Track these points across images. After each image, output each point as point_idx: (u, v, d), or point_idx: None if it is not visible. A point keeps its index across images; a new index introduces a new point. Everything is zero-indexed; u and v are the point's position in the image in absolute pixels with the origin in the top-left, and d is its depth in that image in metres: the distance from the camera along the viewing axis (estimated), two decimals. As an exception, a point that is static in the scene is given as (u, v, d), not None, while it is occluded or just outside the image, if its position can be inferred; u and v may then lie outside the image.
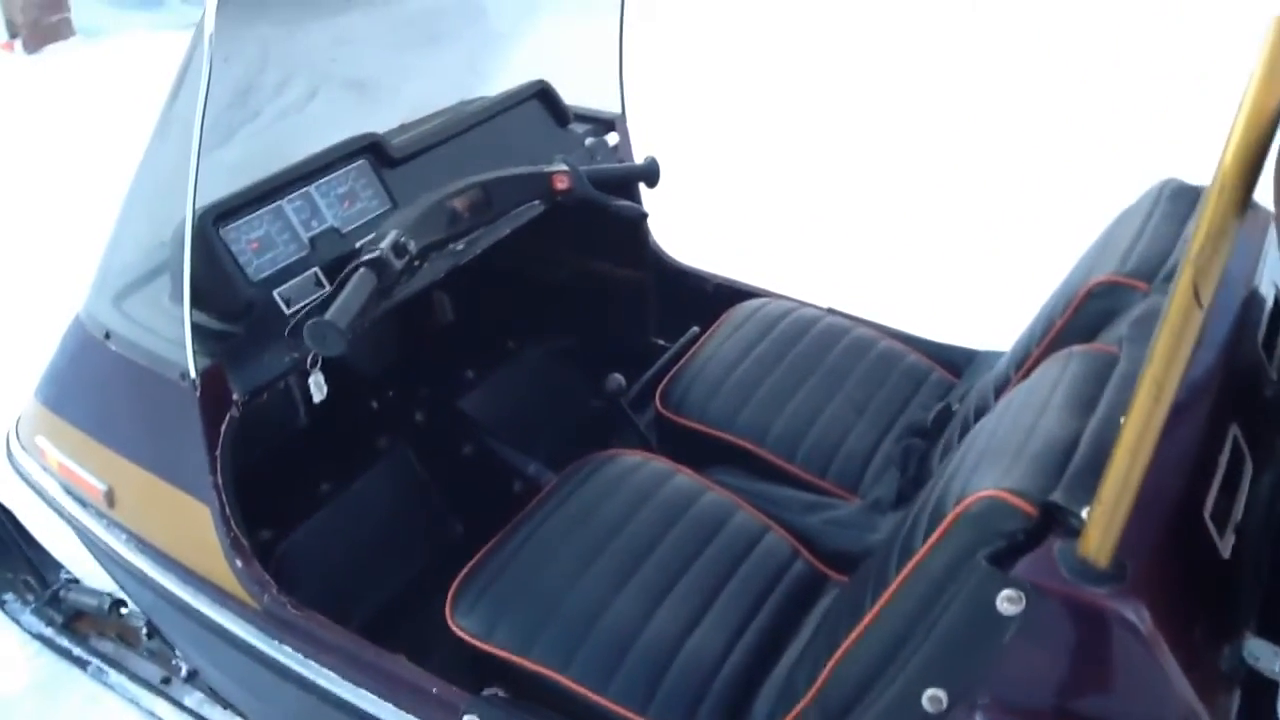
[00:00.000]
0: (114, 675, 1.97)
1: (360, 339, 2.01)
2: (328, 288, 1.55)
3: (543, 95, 2.03)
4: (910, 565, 1.08)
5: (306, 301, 1.54)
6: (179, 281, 1.38)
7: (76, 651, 2.01)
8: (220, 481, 1.46)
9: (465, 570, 1.52)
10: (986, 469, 1.10)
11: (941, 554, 1.05)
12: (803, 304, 2.10)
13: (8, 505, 2.10)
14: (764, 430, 1.79)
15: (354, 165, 1.72)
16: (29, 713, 1.95)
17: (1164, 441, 0.87)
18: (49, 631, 2.04)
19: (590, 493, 1.62)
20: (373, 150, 1.74)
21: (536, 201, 1.75)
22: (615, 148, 2.07)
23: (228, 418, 1.46)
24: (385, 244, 1.39)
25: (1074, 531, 0.96)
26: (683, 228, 2.58)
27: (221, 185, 1.59)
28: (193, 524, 1.51)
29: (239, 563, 1.48)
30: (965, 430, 1.59)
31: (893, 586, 1.11)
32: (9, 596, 2.09)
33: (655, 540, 1.55)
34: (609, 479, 1.65)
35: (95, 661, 1.99)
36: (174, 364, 1.43)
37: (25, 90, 4.57)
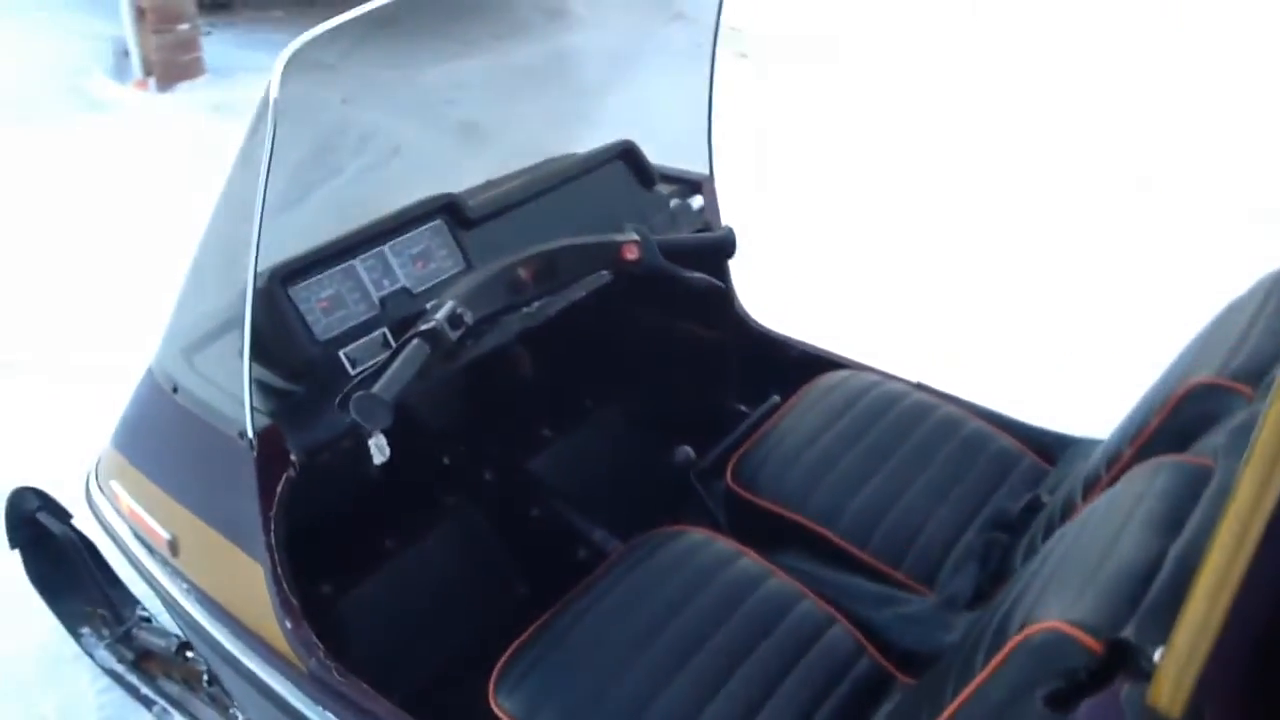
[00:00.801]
0: (177, 717, 1.98)
1: (436, 394, 2.01)
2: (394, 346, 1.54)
3: (628, 155, 2.00)
4: (966, 692, 1.00)
5: (372, 362, 1.52)
6: (241, 341, 1.38)
7: (144, 690, 2.03)
8: (273, 542, 1.45)
9: (513, 647, 1.48)
10: (1055, 594, 1.01)
11: (999, 685, 0.97)
12: (890, 377, 2.01)
13: (91, 540, 2.14)
14: (837, 513, 1.71)
15: (430, 225, 1.71)
16: (95, 750, 1.98)
17: (1251, 568, 0.78)
18: (120, 668, 2.07)
19: (649, 572, 1.56)
20: (449, 210, 1.73)
21: (604, 271, 1.71)
22: (700, 210, 2.02)
23: (284, 478, 1.45)
24: (441, 315, 1.36)
25: (1145, 674, 0.87)
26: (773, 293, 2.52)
27: (296, 242, 1.60)
28: (247, 580, 1.50)
29: (288, 624, 1.46)
30: (1051, 528, 1.49)
31: (947, 711, 1.03)
32: (86, 630, 2.13)
33: (713, 627, 1.48)
34: (670, 558, 1.59)
35: (161, 702, 2.01)
36: (234, 421, 1.43)
37: (155, 125, 4.75)
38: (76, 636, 2.12)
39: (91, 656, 2.10)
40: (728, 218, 2.08)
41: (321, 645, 1.46)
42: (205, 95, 5.25)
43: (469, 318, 1.39)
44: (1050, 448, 1.86)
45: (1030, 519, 1.64)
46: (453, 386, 2.03)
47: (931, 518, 1.71)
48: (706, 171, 2.08)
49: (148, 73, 5.16)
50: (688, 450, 1.85)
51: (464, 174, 2.06)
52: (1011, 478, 1.80)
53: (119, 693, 2.06)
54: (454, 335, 1.36)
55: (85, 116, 4.89)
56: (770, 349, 2.16)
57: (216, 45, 5.63)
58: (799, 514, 1.71)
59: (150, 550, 1.71)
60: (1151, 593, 0.95)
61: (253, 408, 1.41)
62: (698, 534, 1.64)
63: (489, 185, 2.02)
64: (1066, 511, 1.48)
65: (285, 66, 1.24)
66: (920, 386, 1.99)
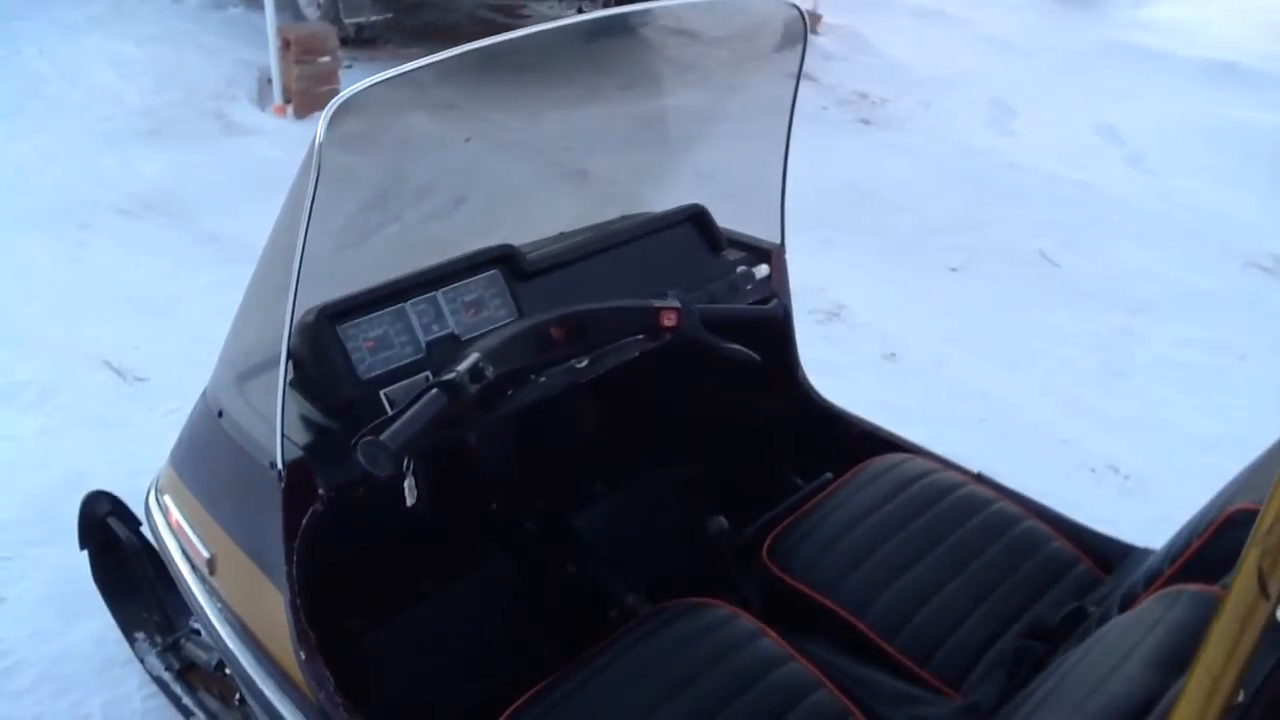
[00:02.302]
0: (212, 732, 2.03)
1: (491, 440, 2.03)
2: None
3: (698, 219, 1.99)
4: None
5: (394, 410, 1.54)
6: (283, 373, 1.42)
7: (185, 700, 2.08)
8: (295, 572, 1.48)
9: (519, 702, 1.47)
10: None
11: None
12: (949, 465, 1.94)
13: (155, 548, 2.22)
14: (869, 603, 1.65)
15: (485, 275, 1.73)
16: (131, 756, 2.04)
17: None
18: (166, 676, 2.13)
19: (663, 642, 1.54)
20: (506, 261, 1.75)
21: (640, 336, 1.71)
22: (766, 280, 2.00)
23: (310, 511, 1.48)
24: (462, 367, 1.38)
25: None
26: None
27: (349, 283, 1.64)
28: (271, 608, 1.53)
29: (303, 655, 1.48)
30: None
31: None
32: (140, 635, 2.20)
33: (720, 706, 1.44)
34: (689, 630, 1.56)
35: (200, 714, 2.05)
36: (269, 451, 1.46)
37: (285, 149, 4.96)
38: (131, 641, 2.20)
39: (142, 662, 2.17)
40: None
41: (333, 680, 1.48)
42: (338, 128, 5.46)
43: (490, 372, 1.40)
44: (1109, 555, 1.77)
45: (1070, 630, 1.56)
46: (506, 434, 2.05)
47: (967, 618, 1.64)
48: (778, 241, 2.06)
49: (287, 100, 5.40)
50: (721, 521, 1.82)
51: (553, 222, 2.10)
52: (1060, 584, 1.71)
53: (162, 700, 2.11)
54: (473, 389, 1.37)
55: (222, 137, 5.14)
56: (831, 424, 2.12)
57: (356, 78, 5.85)
58: (830, 599, 1.66)
59: (193, 566, 1.76)
60: None
61: (285, 439, 1.44)
62: (722, 609, 1.60)
63: (561, 237, 2.04)
64: (1102, 626, 1.41)
65: (334, 113, 1.27)
66: (980, 478, 1.92)
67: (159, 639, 2.19)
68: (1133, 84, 6.49)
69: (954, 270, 4.20)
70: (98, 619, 2.25)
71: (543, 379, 1.59)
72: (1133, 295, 4.04)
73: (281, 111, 5.41)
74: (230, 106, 5.47)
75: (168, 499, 1.82)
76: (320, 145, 1.28)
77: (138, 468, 2.18)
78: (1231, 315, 3.90)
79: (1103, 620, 1.41)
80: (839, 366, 3.16)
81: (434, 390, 1.35)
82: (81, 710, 2.11)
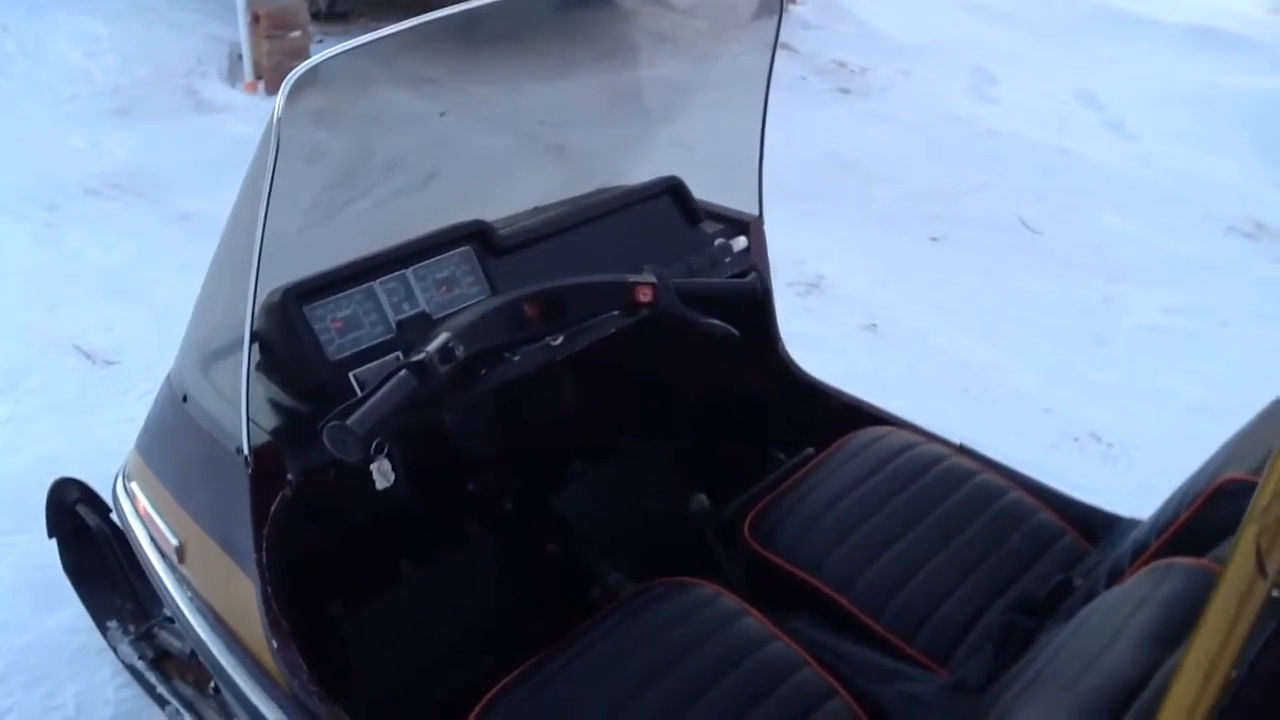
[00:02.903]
0: (188, 719, 1.99)
1: (467, 419, 1.99)
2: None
3: (674, 191, 1.95)
4: None
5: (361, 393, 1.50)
6: (247, 357, 1.38)
7: (160, 689, 2.04)
8: (265, 559, 1.44)
9: (499, 686, 1.44)
10: (1032, 701, 0.93)
11: None
12: (932, 438, 1.92)
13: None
14: (853, 579, 1.63)
15: (457, 251, 1.69)
16: (105, 746, 2.01)
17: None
18: (140, 665, 2.09)
19: (645, 624, 1.51)
20: (478, 237, 1.71)
21: (616, 312, 1.67)
22: (745, 252, 1.97)
23: (279, 497, 1.44)
24: (432, 347, 1.34)
25: None
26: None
27: (317, 261, 1.59)
28: (242, 596, 1.49)
29: (275, 643, 1.45)
30: (1073, 616, 1.40)
31: None
32: (113, 624, 2.16)
33: (704, 687, 1.42)
34: (671, 611, 1.53)
35: (174, 703, 2.01)
36: (234, 436, 1.42)
37: (256, 126, 4.89)
38: (103, 630, 2.15)
39: (115, 651, 2.13)
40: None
41: (306, 668, 1.45)
42: (312, 102, 5.38)
43: (460, 352, 1.36)
44: (1095, 525, 1.75)
45: (1057, 603, 1.54)
46: (484, 413, 2.01)
47: (954, 593, 1.62)
48: (756, 212, 2.02)
49: (258, 76, 5.31)
50: (702, 499, 1.79)
51: (527, 197, 2.05)
52: (1046, 556, 1.69)
53: (136, 690, 2.08)
54: (443, 369, 1.33)
55: (193, 115, 5.06)
56: (813, 398, 2.09)
57: (326, 54, 5.76)
58: (813, 576, 1.64)
59: (162, 554, 1.72)
60: (1131, 712, 0.86)
61: (252, 424, 1.40)
62: (704, 588, 1.58)
63: (535, 211, 2.00)
64: (1090, 601, 1.39)
65: (293, 86, 1.23)
66: (962, 450, 1.89)
67: (132, 627, 2.15)
68: (1115, 50, 6.44)
69: (935, 240, 4.16)
70: (70, 608, 2.20)
71: (517, 357, 1.56)
72: (1114, 262, 4.02)
73: (253, 88, 5.32)
74: (201, 83, 5.37)
75: (135, 486, 1.78)
76: (279, 120, 1.23)
77: (111, 451, 2.13)
78: (1213, 281, 3.89)
79: (1090, 594, 1.39)
80: (820, 338, 3.13)
81: (403, 372, 1.31)
82: (54, 701, 2.07)
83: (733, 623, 1.51)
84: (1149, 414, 3.09)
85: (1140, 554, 1.33)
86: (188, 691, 2.04)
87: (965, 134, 5.20)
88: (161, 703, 2.03)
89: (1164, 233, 4.26)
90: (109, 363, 3.14)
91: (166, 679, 2.06)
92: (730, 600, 1.56)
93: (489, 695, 1.42)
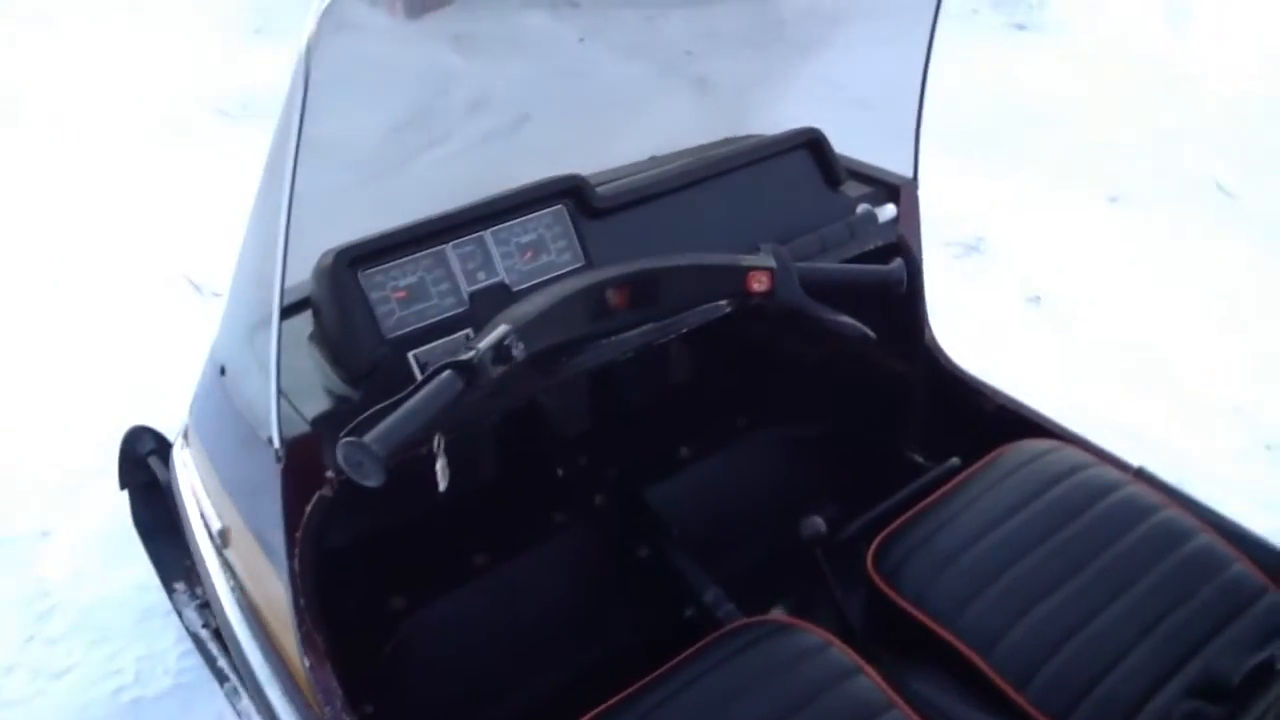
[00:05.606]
0: (244, 701, 1.84)
1: (561, 394, 1.75)
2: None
3: (813, 146, 1.65)
4: None
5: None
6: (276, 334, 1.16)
7: (221, 662, 1.91)
8: (298, 568, 1.24)
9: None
10: None
11: None
12: (1105, 457, 1.59)
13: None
14: (996, 636, 1.33)
15: (548, 210, 1.43)
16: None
17: None
18: (204, 634, 1.96)
19: (741, 673, 1.26)
20: (573, 195, 1.44)
21: (722, 302, 1.39)
22: (893, 223, 1.66)
23: (316, 497, 1.23)
24: (484, 344, 1.09)
25: None
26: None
27: (383, 219, 1.36)
28: (277, 600, 1.30)
29: (308, 662, 1.25)
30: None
31: None
32: (180, 586, 2.03)
33: None
34: (771, 660, 1.27)
35: (233, 679, 1.87)
36: (265, 423, 1.21)
37: (393, 51, 4.73)
38: (169, 591, 2.03)
39: (179, 615, 2.00)
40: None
41: (342, 693, 1.25)
42: (449, 25, 5.19)
43: (519, 351, 1.10)
44: None
45: (1257, 688, 1.22)
46: (576, 386, 1.77)
47: (1121, 662, 1.31)
48: (909, 174, 1.70)
49: (397, -6, 5.14)
50: (818, 523, 1.50)
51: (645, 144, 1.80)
52: (1242, 620, 1.35)
53: (197, 660, 1.95)
54: (495, 372, 1.08)
55: (331, 35, 4.92)
56: (963, 397, 1.77)
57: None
58: (947, 629, 1.35)
59: (209, 534, 1.55)
60: None
61: (284, 413, 1.19)
62: (812, 635, 1.31)
63: (654, 161, 1.74)
64: None
65: (324, 14, 0.99)
66: (1141, 474, 1.56)
67: (198, 591, 2.01)
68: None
69: (1113, 200, 3.72)
70: (142, 564, 2.08)
71: (602, 344, 1.31)
72: (1328, 234, 3.51)
73: (394, 12, 5.15)
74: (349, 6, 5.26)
75: (186, 456, 1.61)
76: (308, 52, 1.00)
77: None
78: None
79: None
80: (974, 311, 2.80)
81: (447, 373, 1.06)
82: (114, 664, 1.95)
83: (841, 683, 1.25)
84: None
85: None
86: (248, 670, 1.89)
87: (1156, 77, 4.66)
88: (221, 678, 1.89)
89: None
90: (216, 295, 3.03)
91: (228, 652, 1.92)
92: (841, 653, 1.29)
93: None
